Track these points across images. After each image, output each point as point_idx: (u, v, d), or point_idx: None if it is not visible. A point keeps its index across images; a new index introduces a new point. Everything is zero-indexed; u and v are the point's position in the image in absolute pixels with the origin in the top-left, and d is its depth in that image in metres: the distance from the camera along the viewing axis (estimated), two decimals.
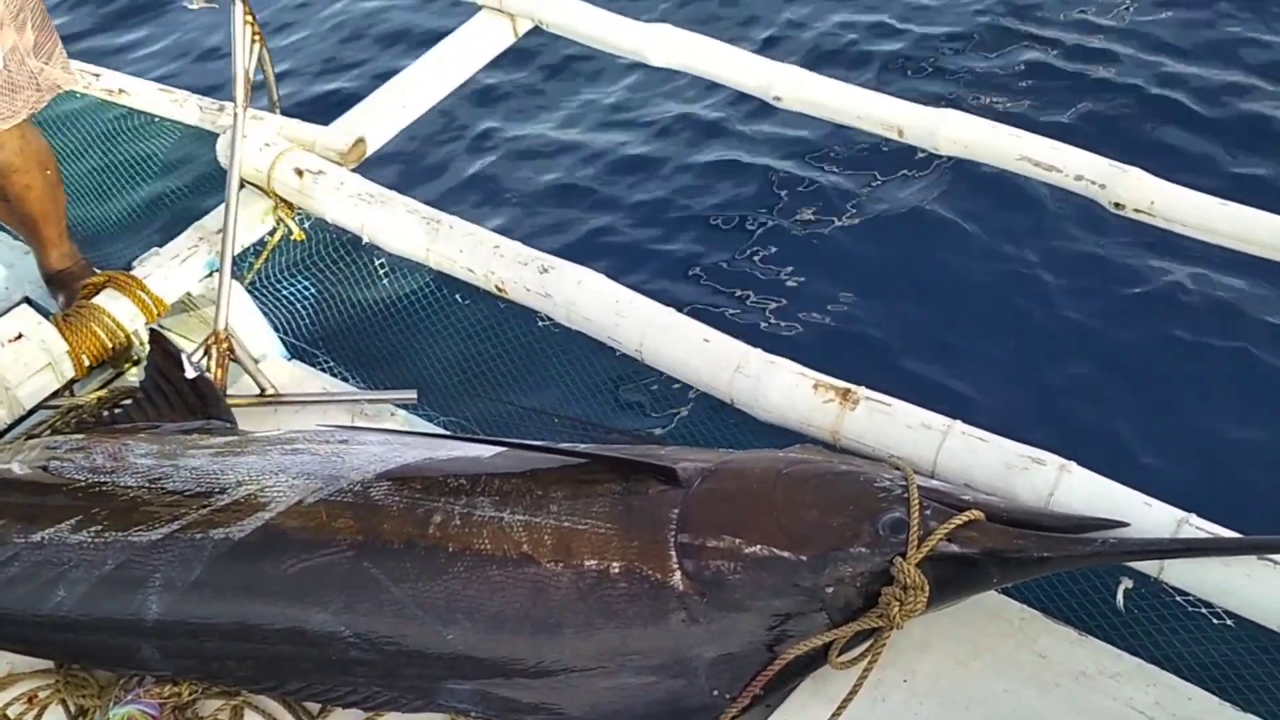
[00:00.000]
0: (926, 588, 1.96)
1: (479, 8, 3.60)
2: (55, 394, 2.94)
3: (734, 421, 2.63)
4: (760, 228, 4.14)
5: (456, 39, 3.58)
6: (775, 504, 2.11)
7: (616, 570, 2.07)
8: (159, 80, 3.91)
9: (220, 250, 3.04)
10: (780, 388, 2.46)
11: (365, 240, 3.10)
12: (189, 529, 2.24)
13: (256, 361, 3.00)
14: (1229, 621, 2.01)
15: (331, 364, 3.27)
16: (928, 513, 2.03)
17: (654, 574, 2.05)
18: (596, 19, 3.42)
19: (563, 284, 2.78)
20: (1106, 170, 2.69)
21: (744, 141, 4.53)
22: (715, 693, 2.02)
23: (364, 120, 3.35)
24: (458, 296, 3.25)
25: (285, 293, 3.40)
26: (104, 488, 2.37)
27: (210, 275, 3.14)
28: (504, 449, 2.33)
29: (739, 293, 3.84)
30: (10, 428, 2.89)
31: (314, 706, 2.25)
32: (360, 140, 3.29)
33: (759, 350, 2.53)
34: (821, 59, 4.87)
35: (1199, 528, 2.01)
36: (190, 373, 2.73)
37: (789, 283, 3.85)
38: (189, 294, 3.18)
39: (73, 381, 2.98)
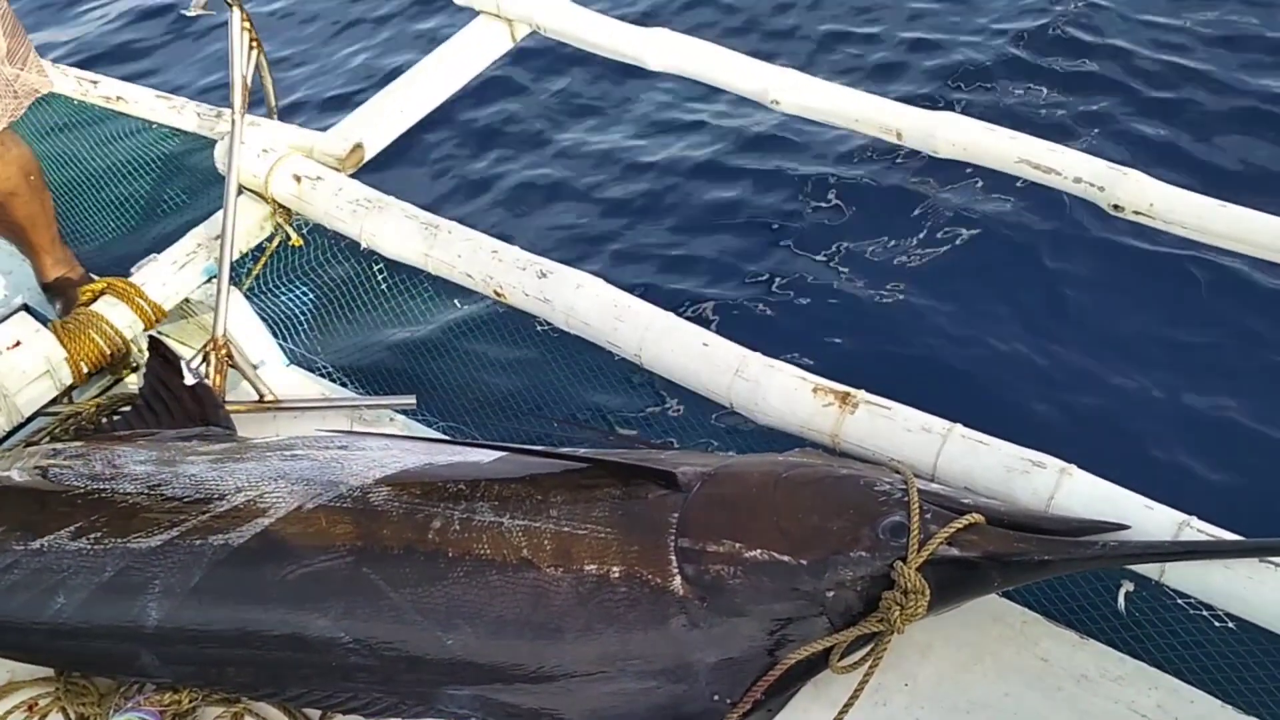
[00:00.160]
0: (927, 592, 1.96)
1: (477, 13, 3.60)
2: (54, 401, 2.94)
3: (733, 425, 2.63)
4: (758, 231, 4.13)
5: (454, 44, 3.58)
6: (775, 508, 2.10)
7: (616, 575, 2.06)
8: (158, 87, 3.92)
9: (219, 256, 3.04)
10: (780, 391, 2.46)
11: (364, 246, 3.10)
12: (188, 535, 2.24)
13: (255, 368, 3.00)
14: (1231, 624, 2.00)
15: (330, 370, 3.26)
16: (928, 516, 2.03)
17: (654, 578, 2.05)
18: (594, 24, 3.42)
19: (561, 289, 2.78)
20: (1105, 172, 2.69)
21: (742, 144, 4.53)
22: (716, 697, 2.01)
23: (362, 126, 3.35)
24: (456, 301, 3.25)
25: (284, 299, 3.40)
26: (103, 495, 2.36)
27: (209, 281, 3.13)
28: (503, 454, 2.33)
29: (738, 296, 3.84)
30: (9, 435, 2.89)
31: (314, 713, 2.24)
32: (358, 146, 3.28)
33: (758, 354, 2.53)
34: (819, 63, 4.88)
35: (1200, 530, 2.01)
36: (189, 379, 2.72)
37: (788, 286, 3.85)
38: (187, 300, 3.17)
39: (71, 388, 2.97)
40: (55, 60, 3.93)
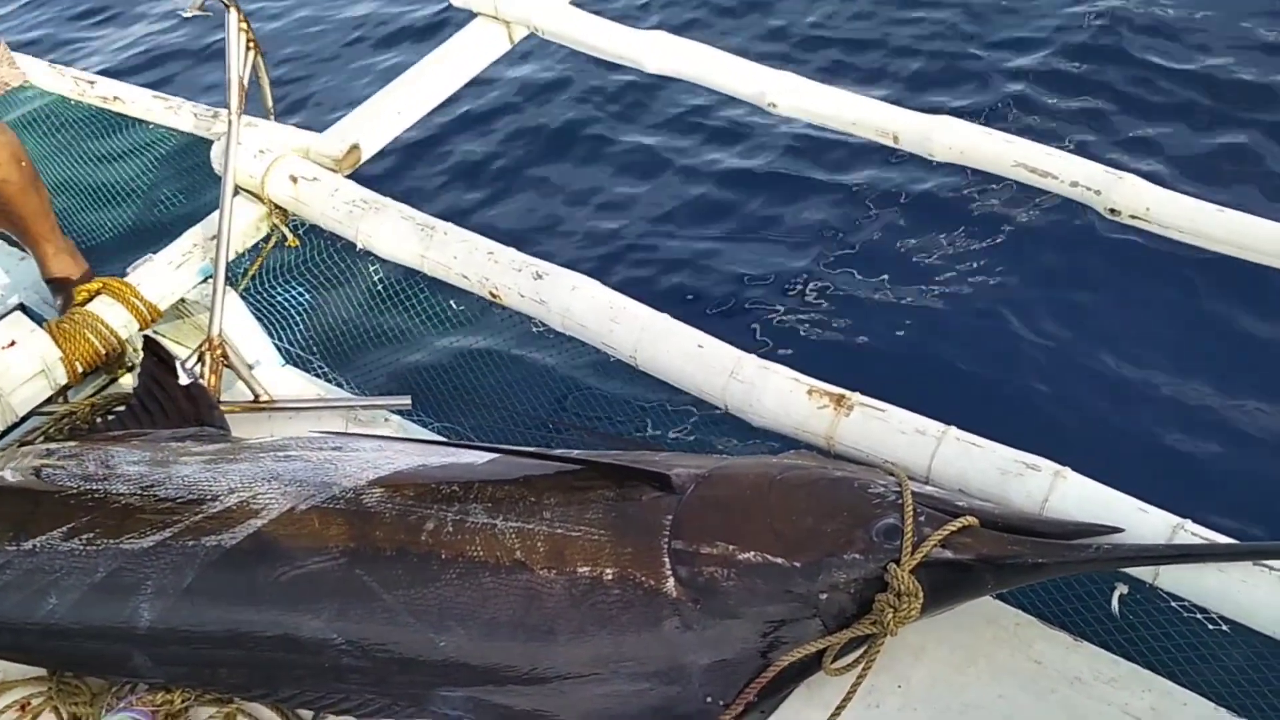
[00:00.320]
0: (920, 594, 1.96)
1: (474, 15, 3.60)
2: (48, 400, 2.94)
3: (728, 427, 2.62)
4: (755, 233, 4.13)
5: (452, 45, 3.58)
6: (769, 510, 2.10)
7: (610, 577, 2.06)
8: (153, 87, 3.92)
9: (215, 257, 3.04)
10: (775, 393, 2.45)
11: (359, 247, 3.09)
12: (181, 536, 2.24)
13: (250, 368, 3.00)
14: (1225, 627, 2.00)
15: (326, 370, 3.26)
16: (922, 519, 2.02)
17: (647, 580, 2.05)
18: (592, 26, 3.42)
19: (557, 290, 2.78)
20: (1101, 176, 2.69)
21: (740, 145, 4.52)
22: (709, 699, 2.01)
23: (358, 127, 3.35)
24: (452, 303, 3.24)
25: (280, 299, 3.40)
26: (96, 495, 2.36)
27: (204, 281, 3.13)
28: (497, 455, 2.33)
29: (734, 299, 3.84)
30: (3, 434, 2.88)
31: (307, 714, 2.24)
32: (355, 147, 3.29)
33: (753, 356, 2.53)
34: (817, 66, 4.88)
35: (1194, 534, 2.00)
36: (184, 379, 2.72)
37: (783, 289, 3.85)
38: (183, 300, 3.17)
39: (66, 388, 2.97)
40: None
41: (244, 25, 3.06)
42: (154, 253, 3.17)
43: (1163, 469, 3.05)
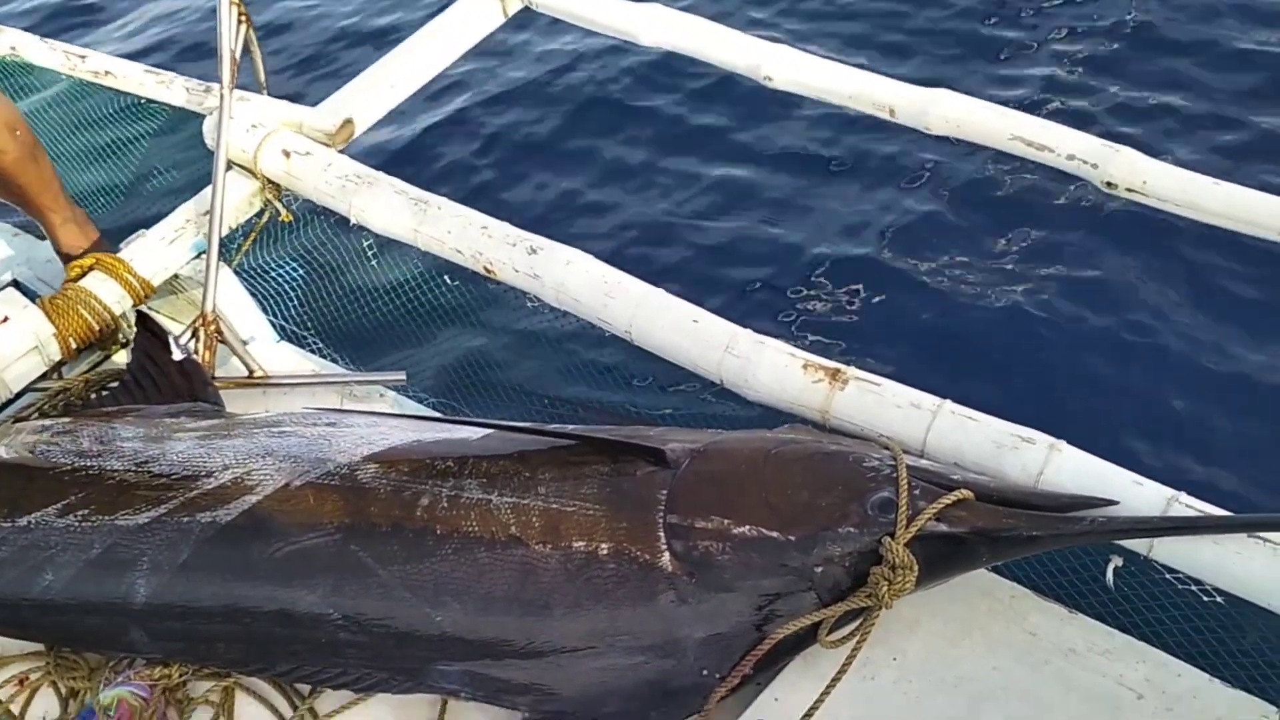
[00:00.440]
0: (915, 567, 1.96)
1: None
2: (43, 376, 2.93)
3: (723, 402, 2.62)
4: (750, 208, 4.12)
5: (446, 19, 3.55)
6: (764, 484, 2.10)
7: (605, 551, 2.06)
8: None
9: (208, 232, 3.03)
10: (770, 368, 2.45)
11: (353, 222, 3.08)
12: (176, 512, 2.24)
13: (245, 343, 2.99)
14: (1219, 599, 2.00)
15: (321, 346, 3.25)
16: (916, 492, 2.02)
17: (643, 555, 2.05)
18: None
19: (551, 265, 2.77)
20: (1098, 150, 2.68)
21: (735, 120, 4.50)
22: (705, 672, 2.01)
23: (352, 101, 3.33)
24: (447, 278, 3.23)
25: (274, 274, 3.39)
26: (91, 471, 2.36)
27: (198, 257, 3.12)
28: (492, 431, 2.32)
29: (729, 274, 3.82)
30: None
31: (304, 687, 2.25)
32: (348, 121, 3.26)
33: (748, 330, 2.52)
34: (813, 40, 4.85)
35: (1189, 506, 2.01)
36: (177, 355, 2.72)
37: (778, 264, 3.84)
38: (176, 276, 3.16)
39: (60, 364, 2.96)
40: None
41: None
42: (146, 229, 3.15)
43: (1159, 442, 3.05)
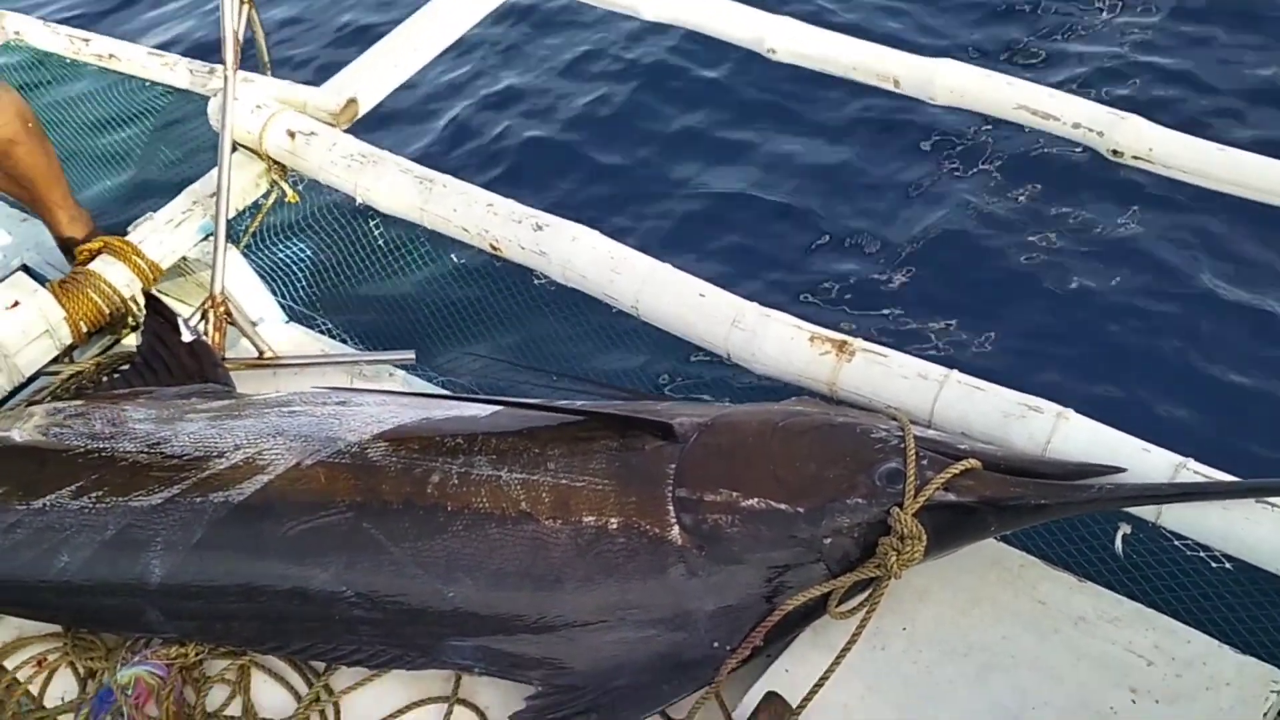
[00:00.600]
0: (924, 537, 1.96)
1: None
2: (54, 360, 2.95)
3: (730, 376, 2.63)
4: (755, 181, 4.10)
5: None
6: (772, 457, 2.11)
7: (615, 526, 2.07)
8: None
9: (214, 214, 3.03)
10: (776, 340, 2.46)
11: (359, 201, 3.08)
12: (189, 493, 2.25)
13: (254, 324, 3.01)
14: (1228, 565, 2.01)
15: (330, 326, 3.26)
16: (924, 463, 2.03)
17: (652, 529, 2.06)
18: None
19: (557, 241, 2.77)
20: (1104, 118, 2.67)
21: (737, 91, 4.47)
22: (715, 644, 2.03)
23: (356, 80, 3.32)
24: (453, 256, 3.24)
25: (281, 255, 3.39)
26: (104, 453, 2.38)
27: (205, 239, 3.13)
28: (500, 408, 2.33)
29: (733, 247, 3.81)
30: (10, 395, 2.90)
31: (320, 665, 2.27)
32: (352, 100, 3.26)
33: (754, 304, 2.53)
34: (817, 12, 4.82)
35: (1197, 472, 2.01)
36: (187, 336, 2.73)
37: (784, 237, 3.82)
38: (184, 258, 3.16)
39: (72, 348, 2.98)
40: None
41: None
42: (154, 211, 3.16)
43: (1166, 409, 3.04)
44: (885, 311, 3.42)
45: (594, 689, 2.05)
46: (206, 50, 4.57)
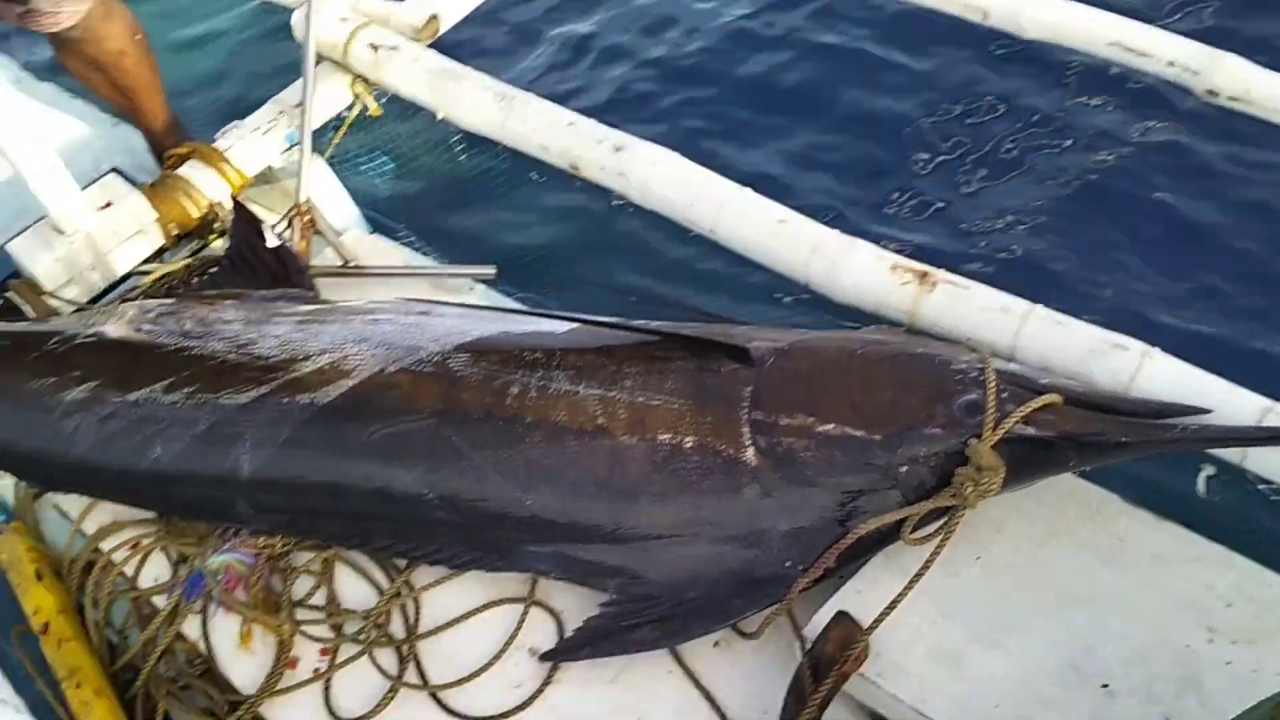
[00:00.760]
0: (1001, 469, 1.96)
1: None
2: (145, 261, 3.01)
3: (807, 303, 2.62)
4: (840, 106, 4.02)
5: None
6: (849, 383, 2.11)
7: (690, 445, 2.09)
8: None
9: (300, 124, 3.06)
10: (857, 269, 2.45)
11: (440, 117, 3.10)
12: (277, 393, 2.31)
13: (338, 234, 3.04)
14: None
15: (412, 238, 3.29)
16: (1004, 395, 2.01)
17: (727, 449, 2.08)
18: None
19: (636, 163, 2.76)
20: (1200, 56, 2.62)
21: (824, 37, 4.38)
22: (788, 564, 2.05)
23: None
24: (533, 175, 3.24)
25: (365, 167, 3.42)
26: (194, 351, 2.44)
27: (290, 149, 3.16)
28: (578, 324, 2.35)
29: (816, 175, 3.77)
30: (104, 293, 2.97)
31: (401, 562, 2.32)
32: (434, 17, 3.26)
33: (836, 231, 2.51)
34: None
35: None
36: (272, 242, 2.77)
37: (869, 166, 3.77)
38: (270, 167, 3.21)
39: (162, 250, 3.04)
40: None
41: None
42: (240, 119, 3.20)
43: (1256, 352, 2.97)
44: (967, 246, 3.37)
45: (667, 600, 2.09)
46: None
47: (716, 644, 2.14)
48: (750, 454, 2.08)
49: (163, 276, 2.90)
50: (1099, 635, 1.90)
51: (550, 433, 2.15)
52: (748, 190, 2.65)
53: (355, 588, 2.32)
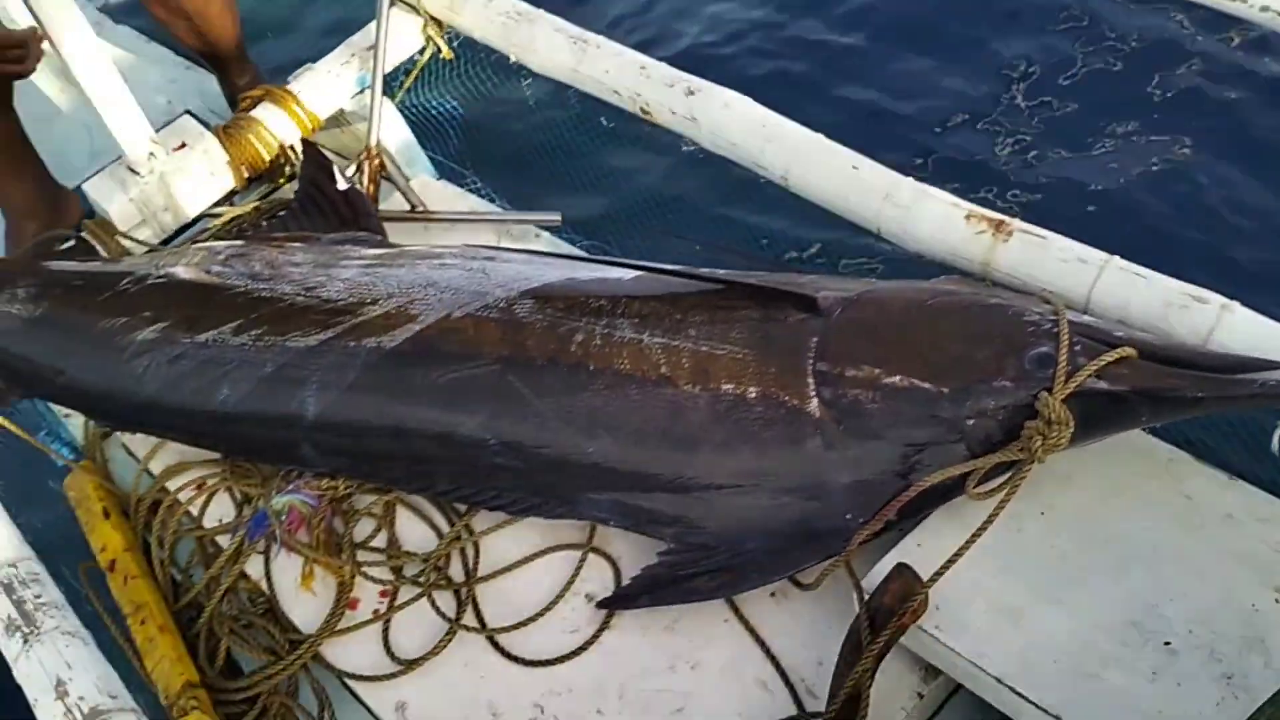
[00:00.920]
0: (1070, 423, 1.91)
1: None
2: (216, 204, 3.05)
3: (878, 252, 2.58)
4: (921, 56, 3.94)
5: None
6: (917, 335, 2.07)
7: (754, 395, 2.07)
8: None
9: (372, 67, 3.07)
10: (931, 218, 2.40)
11: (512, 60, 3.08)
12: (343, 336, 2.32)
13: (407, 179, 3.05)
14: None
15: (479, 184, 3.30)
16: (1077, 348, 1.96)
17: (791, 400, 2.05)
18: None
19: (709, 107, 2.73)
20: None
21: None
22: (848, 516, 2.03)
23: None
24: (603, 119, 3.22)
25: (435, 112, 3.43)
26: (263, 293, 2.46)
27: (361, 92, 3.17)
28: (644, 272, 2.33)
29: (893, 122, 3.70)
30: (176, 234, 3.02)
31: (461, 507, 2.35)
32: None
33: (910, 179, 2.46)
34: None
35: None
36: (342, 185, 2.78)
37: (946, 114, 3.69)
38: (342, 110, 3.22)
39: (233, 193, 3.08)
40: None
41: None
42: (313, 62, 3.21)
43: None
44: (1040, 195, 3.30)
45: (726, 549, 2.09)
46: None
47: (773, 595, 2.14)
48: (814, 405, 2.05)
49: (233, 219, 2.95)
50: (1163, 593, 1.86)
51: (613, 380, 2.15)
52: (821, 136, 2.61)
53: (415, 531, 2.35)
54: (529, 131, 3.41)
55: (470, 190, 3.25)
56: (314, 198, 2.80)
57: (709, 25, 4.26)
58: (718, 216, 3.24)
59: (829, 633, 2.00)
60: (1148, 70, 3.65)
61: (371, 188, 2.95)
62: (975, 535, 1.90)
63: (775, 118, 2.66)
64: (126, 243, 2.94)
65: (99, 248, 2.89)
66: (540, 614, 2.20)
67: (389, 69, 3.16)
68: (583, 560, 2.25)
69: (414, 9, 3.21)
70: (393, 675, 2.17)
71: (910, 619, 1.89)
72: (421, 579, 2.27)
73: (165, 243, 3.02)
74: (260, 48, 3.99)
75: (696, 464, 2.10)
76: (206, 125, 3.07)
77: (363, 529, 2.36)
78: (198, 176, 2.99)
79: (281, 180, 3.16)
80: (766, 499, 2.08)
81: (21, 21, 3.31)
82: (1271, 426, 1.98)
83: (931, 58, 3.90)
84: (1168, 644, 1.80)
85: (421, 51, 3.27)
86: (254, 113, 3.07)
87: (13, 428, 2.65)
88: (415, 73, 3.29)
